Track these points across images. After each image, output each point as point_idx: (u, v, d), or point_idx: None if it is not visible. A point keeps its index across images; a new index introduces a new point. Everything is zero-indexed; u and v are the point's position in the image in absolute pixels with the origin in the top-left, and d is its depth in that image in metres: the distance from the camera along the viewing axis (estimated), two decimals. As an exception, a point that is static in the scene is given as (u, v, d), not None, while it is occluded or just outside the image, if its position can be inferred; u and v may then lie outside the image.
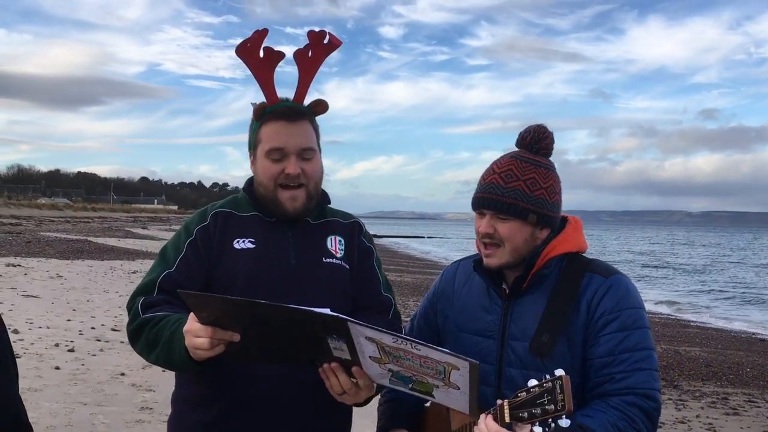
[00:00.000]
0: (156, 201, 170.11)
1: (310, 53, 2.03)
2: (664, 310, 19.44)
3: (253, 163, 2.09)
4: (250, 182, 2.15)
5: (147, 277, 2.04)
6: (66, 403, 5.98)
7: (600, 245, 70.34)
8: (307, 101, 2.08)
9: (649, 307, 19.49)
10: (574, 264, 1.96)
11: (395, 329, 2.09)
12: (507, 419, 1.66)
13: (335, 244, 2.10)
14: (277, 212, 2.04)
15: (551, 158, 2.03)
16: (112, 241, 31.75)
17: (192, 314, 1.73)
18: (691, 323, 16.72)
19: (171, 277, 1.99)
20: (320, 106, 2.07)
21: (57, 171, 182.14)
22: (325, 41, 2.03)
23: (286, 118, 2.00)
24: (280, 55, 2.01)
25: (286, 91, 2.09)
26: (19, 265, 17.24)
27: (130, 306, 1.99)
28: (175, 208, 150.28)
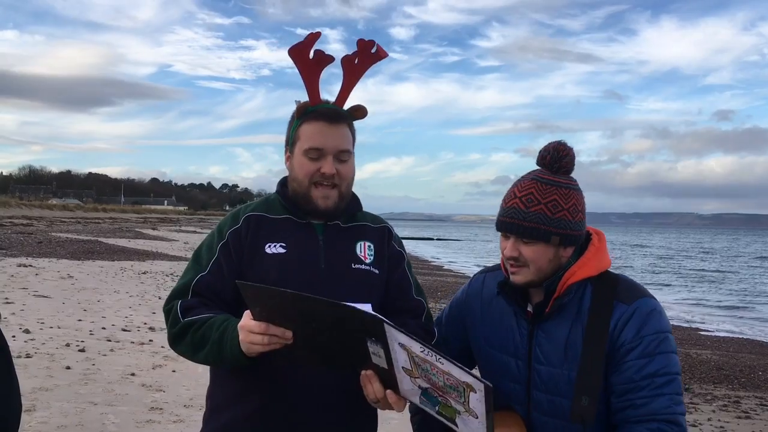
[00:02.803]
0: (166, 202, 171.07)
1: (356, 60, 2.09)
2: (675, 314, 19.32)
3: (288, 159, 2.13)
4: (283, 183, 2.19)
5: (182, 279, 2.09)
6: (77, 403, 6.01)
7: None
8: (347, 106, 2.13)
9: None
10: (600, 294, 1.94)
11: (429, 332, 2.16)
12: None
13: (364, 250, 2.14)
14: (309, 209, 2.08)
15: (573, 173, 2.01)
16: (122, 242, 31.92)
17: (247, 312, 1.79)
18: (703, 327, 16.61)
19: (204, 280, 2.04)
20: (359, 111, 2.12)
21: (68, 172, 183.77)
22: (373, 51, 2.08)
23: (327, 120, 2.04)
24: (329, 59, 2.06)
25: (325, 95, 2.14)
26: (31, 266, 17.36)
27: (168, 309, 2.04)
28: (185, 209, 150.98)
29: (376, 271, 2.13)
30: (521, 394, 1.99)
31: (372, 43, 2.07)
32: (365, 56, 2.08)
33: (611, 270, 2.02)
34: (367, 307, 1.69)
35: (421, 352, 1.64)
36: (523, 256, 1.94)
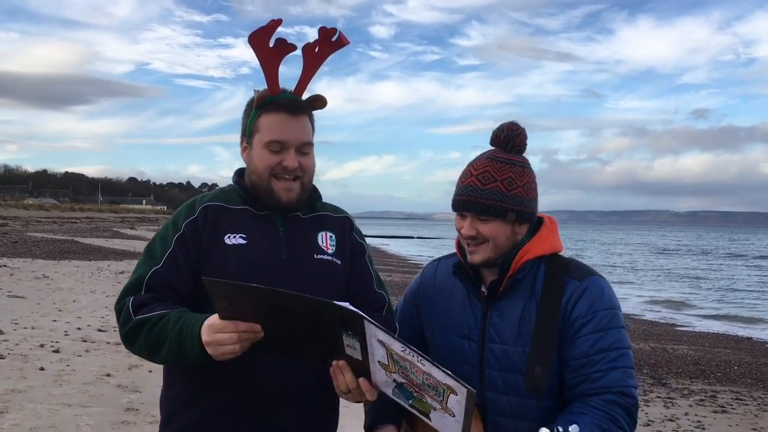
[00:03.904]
0: (144, 201, 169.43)
1: (317, 49, 2.03)
2: (652, 310, 19.50)
3: (245, 150, 2.06)
4: (240, 173, 2.12)
5: (134, 274, 1.98)
6: (50, 405, 5.91)
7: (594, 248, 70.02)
8: (305, 95, 2.07)
9: (638, 307, 19.54)
10: (553, 271, 2.00)
11: (391, 326, 2.09)
12: None
13: (326, 240, 2.09)
14: (270, 202, 2.01)
15: (525, 154, 2.05)
16: (99, 242, 31.57)
17: (213, 316, 1.70)
18: (679, 323, 16.78)
19: (159, 274, 1.94)
20: (319, 102, 2.06)
21: (44, 171, 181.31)
22: (334, 39, 2.02)
23: (289, 111, 1.98)
24: (291, 47, 1.99)
25: (284, 84, 2.07)
26: (5, 266, 17.10)
27: (120, 306, 1.93)
28: (164, 208, 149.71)
29: (339, 262, 2.08)
30: (474, 374, 2.02)
31: (334, 30, 2.01)
32: (326, 44, 2.03)
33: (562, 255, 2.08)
34: (345, 305, 1.64)
35: (402, 351, 1.62)
36: (481, 234, 1.98)
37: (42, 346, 8.20)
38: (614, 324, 1.94)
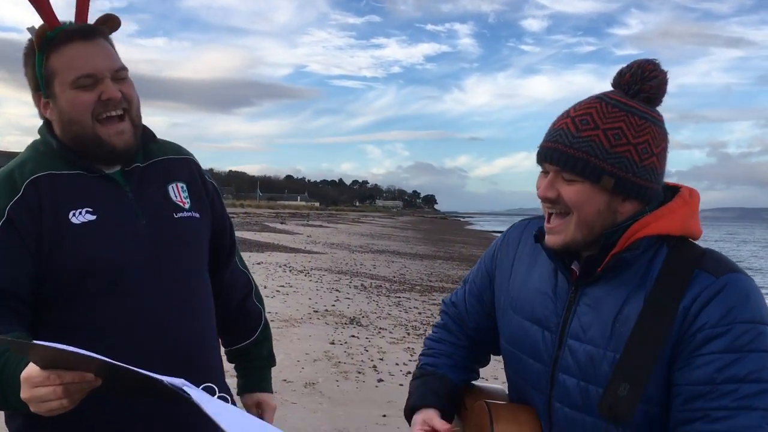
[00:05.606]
0: (299, 198, 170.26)
1: None
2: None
3: (48, 106, 1.65)
4: (50, 129, 1.68)
5: None
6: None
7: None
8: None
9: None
10: (678, 257, 1.39)
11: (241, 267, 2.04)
12: None
13: (179, 193, 1.76)
14: (102, 154, 1.62)
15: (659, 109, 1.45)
16: (247, 235, 31.03)
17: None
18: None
19: None
20: (112, 21, 1.65)
21: (210, 170, 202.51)
22: None
23: (83, 37, 1.60)
24: None
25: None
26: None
27: None
28: (317, 204, 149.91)
29: (197, 215, 1.76)
30: (543, 376, 1.48)
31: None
32: None
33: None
34: (173, 382, 1.24)
35: None
36: (562, 198, 1.40)
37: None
38: (759, 345, 1.30)
